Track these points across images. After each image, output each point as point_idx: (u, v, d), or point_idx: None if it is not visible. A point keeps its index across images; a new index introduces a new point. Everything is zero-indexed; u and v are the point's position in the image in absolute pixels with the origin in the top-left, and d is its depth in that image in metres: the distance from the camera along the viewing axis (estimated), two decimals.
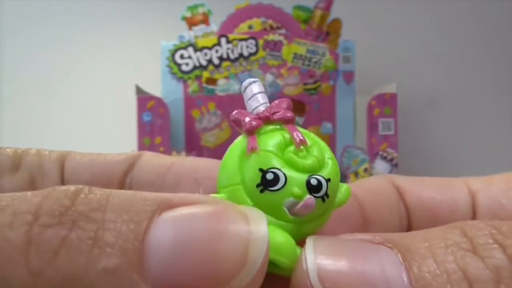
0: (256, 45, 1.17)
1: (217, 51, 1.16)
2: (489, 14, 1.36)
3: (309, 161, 0.13)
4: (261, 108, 0.14)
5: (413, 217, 0.16)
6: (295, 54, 1.17)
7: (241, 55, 1.17)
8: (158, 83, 1.16)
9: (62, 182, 0.18)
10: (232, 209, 0.11)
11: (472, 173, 0.17)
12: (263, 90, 0.14)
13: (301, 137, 0.13)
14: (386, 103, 1.10)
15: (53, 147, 0.19)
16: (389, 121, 1.10)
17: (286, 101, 0.14)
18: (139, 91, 1.10)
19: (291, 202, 0.12)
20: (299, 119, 1.17)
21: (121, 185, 0.18)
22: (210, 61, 1.17)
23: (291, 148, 0.13)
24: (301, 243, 0.12)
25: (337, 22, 1.18)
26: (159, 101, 1.09)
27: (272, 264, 0.11)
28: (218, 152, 1.11)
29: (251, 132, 0.13)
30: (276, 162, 0.13)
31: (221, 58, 1.17)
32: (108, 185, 0.17)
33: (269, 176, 0.12)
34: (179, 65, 1.16)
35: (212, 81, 1.17)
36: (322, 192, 0.13)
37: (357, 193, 0.16)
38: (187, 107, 1.17)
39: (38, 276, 0.09)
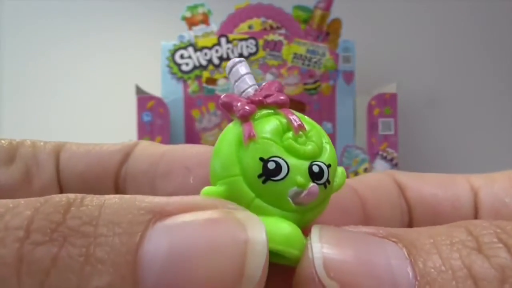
0: (256, 45, 1.17)
1: (217, 51, 1.16)
2: (489, 14, 1.36)
3: (309, 147, 0.12)
4: (251, 91, 0.13)
5: (414, 213, 0.16)
6: (295, 54, 1.17)
7: (241, 55, 1.17)
8: (158, 83, 1.16)
9: (58, 173, 0.17)
10: (229, 217, 0.10)
11: (472, 172, 0.17)
12: (250, 70, 0.14)
13: (299, 122, 0.13)
14: (386, 103, 1.10)
15: None
16: (389, 121, 1.10)
17: (276, 83, 0.13)
18: (139, 91, 1.10)
19: (295, 191, 0.12)
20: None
21: (117, 176, 0.17)
22: (210, 61, 1.17)
23: (289, 134, 0.12)
24: (305, 231, 0.12)
25: (337, 22, 1.18)
26: (159, 101, 1.09)
27: (276, 255, 0.11)
28: None
29: (246, 118, 0.12)
30: (276, 150, 0.12)
31: (221, 58, 1.16)
32: (104, 176, 0.17)
33: (271, 165, 0.12)
34: (179, 65, 1.16)
35: (212, 81, 1.17)
36: (324, 179, 0.12)
37: (358, 189, 0.16)
38: (187, 107, 1.17)
39: None
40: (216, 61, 1.17)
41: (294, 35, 1.18)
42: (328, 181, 0.13)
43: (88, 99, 1.36)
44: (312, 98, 1.18)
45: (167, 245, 0.09)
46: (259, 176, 0.12)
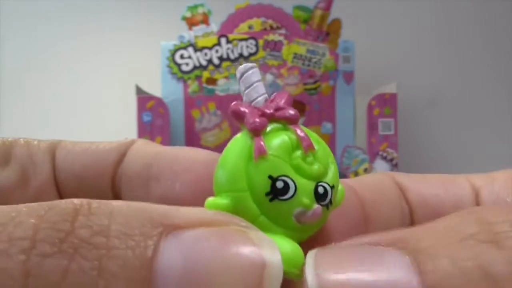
0: (256, 45, 1.17)
1: (217, 51, 1.16)
2: (489, 14, 1.36)
3: (315, 167, 0.12)
4: (260, 100, 0.13)
5: (416, 215, 0.16)
6: (295, 54, 1.17)
7: (241, 55, 1.17)
8: (158, 83, 1.16)
9: (54, 172, 0.17)
10: (244, 237, 0.10)
11: (472, 173, 0.17)
12: (260, 78, 0.13)
13: (309, 142, 0.13)
14: (386, 103, 1.10)
15: None
16: (389, 121, 1.10)
17: (286, 94, 0.13)
18: (139, 91, 1.10)
19: (300, 211, 0.12)
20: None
21: (113, 175, 0.17)
22: (210, 61, 1.17)
23: (298, 152, 0.12)
24: (302, 245, 0.12)
25: (337, 22, 1.18)
26: (159, 101, 1.09)
27: None
28: (218, 152, 1.10)
29: (257, 132, 0.12)
30: (286, 169, 0.12)
31: (221, 58, 1.16)
32: (100, 175, 0.17)
33: (279, 184, 0.12)
34: (179, 65, 1.16)
35: (212, 81, 1.17)
36: (328, 200, 0.13)
37: (357, 189, 0.16)
38: (187, 107, 1.17)
39: None
40: (216, 61, 1.17)
41: (294, 35, 1.18)
42: (331, 202, 0.13)
43: (88, 99, 1.36)
44: (312, 98, 1.18)
45: (182, 261, 0.09)
46: (267, 194, 0.12)
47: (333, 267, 0.10)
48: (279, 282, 0.10)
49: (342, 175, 0.93)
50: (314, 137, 0.13)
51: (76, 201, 0.09)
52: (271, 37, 1.17)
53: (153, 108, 1.08)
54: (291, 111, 0.13)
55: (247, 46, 1.17)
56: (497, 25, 1.36)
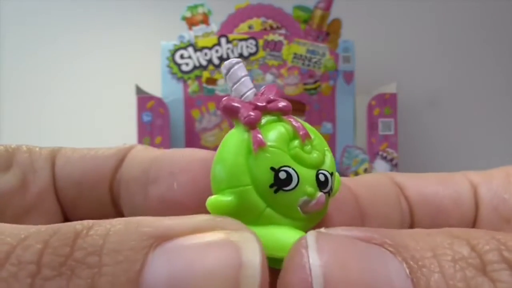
0: (256, 45, 1.17)
1: (217, 51, 1.16)
2: (489, 14, 1.36)
3: (315, 155, 0.12)
4: (250, 95, 0.13)
5: (416, 212, 0.16)
6: (295, 54, 1.17)
7: (241, 55, 1.17)
8: (158, 83, 1.16)
9: (54, 179, 0.17)
10: (225, 240, 0.10)
11: None
12: (247, 72, 0.13)
13: (305, 130, 0.13)
14: (386, 103, 1.10)
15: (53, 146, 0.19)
16: (389, 121, 1.10)
17: (274, 88, 0.13)
18: (139, 91, 1.10)
19: (304, 200, 0.12)
20: (299, 119, 1.17)
21: (112, 182, 0.17)
22: (210, 61, 1.17)
23: (296, 142, 0.12)
24: None
25: (337, 22, 1.18)
26: (159, 101, 1.09)
27: (280, 261, 0.11)
28: None
29: (253, 125, 0.12)
30: (286, 159, 0.12)
31: (221, 58, 1.16)
32: (99, 182, 0.17)
33: (282, 175, 0.12)
34: (179, 65, 1.16)
35: (212, 81, 1.17)
36: (329, 187, 0.13)
37: (352, 186, 0.16)
38: (187, 107, 1.17)
39: None
40: (216, 61, 1.17)
41: (294, 35, 1.18)
42: (331, 188, 0.13)
43: (88, 99, 1.36)
44: (312, 98, 1.18)
45: (166, 273, 0.09)
46: (271, 186, 0.12)
47: (336, 254, 0.10)
48: (256, 283, 0.10)
49: (342, 175, 0.92)
50: (308, 127, 0.13)
51: (78, 225, 0.10)
52: (271, 37, 1.17)
53: (153, 108, 1.08)
54: (283, 103, 0.13)
55: (247, 46, 1.17)
56: (497, 26, 1.36)
